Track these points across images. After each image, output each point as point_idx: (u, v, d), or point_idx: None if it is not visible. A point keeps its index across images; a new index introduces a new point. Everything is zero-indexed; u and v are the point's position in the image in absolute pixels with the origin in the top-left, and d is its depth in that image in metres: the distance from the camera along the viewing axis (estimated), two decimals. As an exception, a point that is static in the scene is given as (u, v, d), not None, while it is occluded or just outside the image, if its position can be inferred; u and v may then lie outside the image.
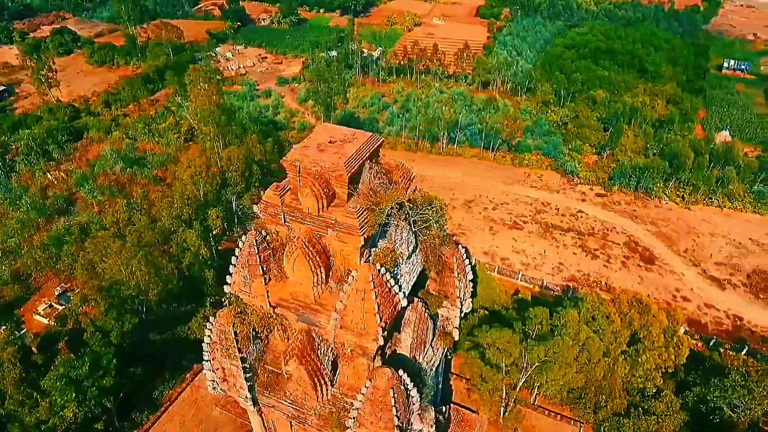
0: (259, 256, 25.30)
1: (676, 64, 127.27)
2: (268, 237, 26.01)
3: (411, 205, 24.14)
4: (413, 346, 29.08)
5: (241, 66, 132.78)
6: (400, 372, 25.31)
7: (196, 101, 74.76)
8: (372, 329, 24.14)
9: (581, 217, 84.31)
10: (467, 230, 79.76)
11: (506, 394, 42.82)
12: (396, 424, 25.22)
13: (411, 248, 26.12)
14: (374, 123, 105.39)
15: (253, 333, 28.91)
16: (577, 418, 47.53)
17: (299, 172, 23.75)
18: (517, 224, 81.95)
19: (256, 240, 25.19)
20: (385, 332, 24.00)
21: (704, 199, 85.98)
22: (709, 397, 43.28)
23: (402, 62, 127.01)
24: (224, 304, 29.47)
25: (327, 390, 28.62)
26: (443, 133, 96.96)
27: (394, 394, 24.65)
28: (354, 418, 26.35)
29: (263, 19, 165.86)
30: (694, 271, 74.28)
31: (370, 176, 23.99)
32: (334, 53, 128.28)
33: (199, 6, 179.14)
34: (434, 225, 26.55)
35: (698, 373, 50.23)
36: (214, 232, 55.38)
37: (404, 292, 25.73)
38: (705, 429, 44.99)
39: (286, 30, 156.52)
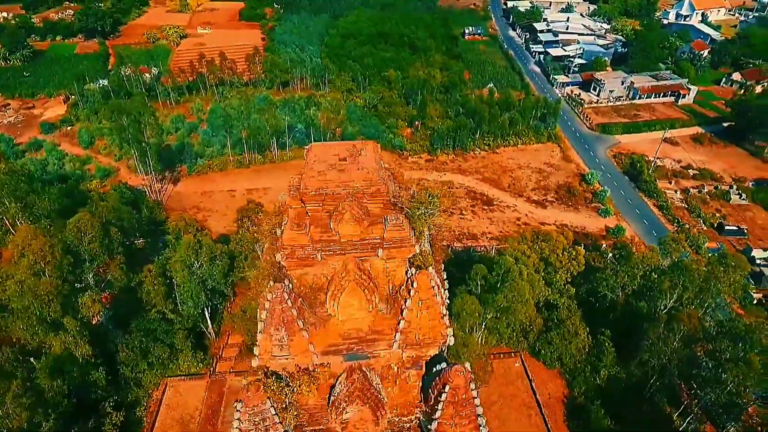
0: (294, 309, 22.11)
1: (434, 37, 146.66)
2: (291, 286, 22.81)
3: (431, 202, 24.09)
4: (440, 338, 29.29)
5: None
6: (466, 365, 25.57)
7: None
8: (439, 335, 23.76)
9: (424, 183, 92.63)
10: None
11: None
12: (478, 414, 25.55)
13: (429, 243, 26.09)
14: (190, 148, 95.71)
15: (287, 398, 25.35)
16: (515, 350, 54.06)
17: (323, 201, 21.37)
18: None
19: (285, 293, 21.88)
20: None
21: (503, 142, 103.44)
22: (599, 289, 53.96)
23: (190, 78, 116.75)
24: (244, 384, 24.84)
25: (385, 420, 27.09)
26: (271, 141, 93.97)
27: (474, 387, 24.86)
28: (434, 430, 25.68)
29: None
30: (521, 200, 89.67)
31: (390, 183, 22.99)
32: (104, 82, 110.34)
33: None
34: (436, 216, 27.00)
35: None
36: (94, 322, 43.90)
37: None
38: (595, 315, 56.06)
39: (21, 67, 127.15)
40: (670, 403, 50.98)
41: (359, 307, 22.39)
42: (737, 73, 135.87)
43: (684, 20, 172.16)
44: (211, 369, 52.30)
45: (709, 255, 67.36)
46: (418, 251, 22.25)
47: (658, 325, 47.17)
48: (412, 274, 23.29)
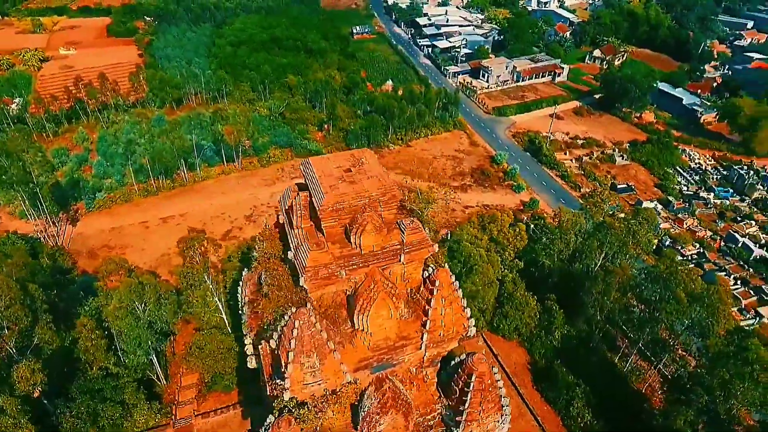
0: (323, 332, 21.33)
1: (327, 39, 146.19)
2: (312, 308, 21.91)
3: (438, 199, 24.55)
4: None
5: None
6: (483, 351, 26.43)
7: None
8: (462, 328, 24.41)
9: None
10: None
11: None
12: (501, 395, 26.68)
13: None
14: (84, 182, 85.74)
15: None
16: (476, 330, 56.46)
17: (339, 216, 20.80)
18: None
19: (312, 317, 21.02)
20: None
21: (415, 135, 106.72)
22: (539, 258, 58.24)
23: (66, 105, 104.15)
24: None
25: (413, 422, 27.20)
26: (180, 163, 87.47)
27: (495, 371, 25.89)
28: (463, 420, 26.35)
29: None
30: (443, 188, 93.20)
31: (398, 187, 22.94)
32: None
33: None
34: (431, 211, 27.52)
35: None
36: (36, 395, 37.41)
37: (447, 282, 26.26)
38: (538, 283, 60.31)
39: None
40: (611, 350, 56.92)
41: (387, 316, 22.17)
42: (597, 50, 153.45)
43: (544, 6, 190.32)
44: (173, 417, 47.88)
45: (610, 213, 75.81)
46: (437, 250, 22.59)
47: (598, 282, 52.26)
48: (429, 274, 23.58)
